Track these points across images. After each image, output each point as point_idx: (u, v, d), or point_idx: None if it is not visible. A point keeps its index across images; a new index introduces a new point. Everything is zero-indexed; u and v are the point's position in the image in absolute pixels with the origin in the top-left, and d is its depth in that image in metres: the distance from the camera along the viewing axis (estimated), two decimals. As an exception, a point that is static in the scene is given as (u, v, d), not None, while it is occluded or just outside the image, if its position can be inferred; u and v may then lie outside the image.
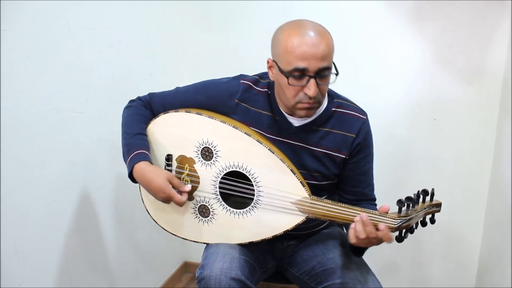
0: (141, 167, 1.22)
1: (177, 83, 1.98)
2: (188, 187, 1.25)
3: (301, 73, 1.12)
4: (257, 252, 1.32)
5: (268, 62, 1.22)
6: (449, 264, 1.93)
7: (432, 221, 1.17)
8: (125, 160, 1.27)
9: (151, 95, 1.36)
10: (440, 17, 1.70)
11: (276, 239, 1.39)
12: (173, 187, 1.22)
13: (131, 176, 1.25)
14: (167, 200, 1.23)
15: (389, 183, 1.80)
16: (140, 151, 1.24)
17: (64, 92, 1.40)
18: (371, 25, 1.79)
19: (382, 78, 1.82)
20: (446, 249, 1.91)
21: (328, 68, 1.14)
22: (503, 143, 1.66)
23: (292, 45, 1.12)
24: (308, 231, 1.37)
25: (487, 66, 1.70)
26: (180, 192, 1.24)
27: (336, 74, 1.17)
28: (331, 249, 1.31)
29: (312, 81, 1.13)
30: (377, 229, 1.10)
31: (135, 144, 1.26)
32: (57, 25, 1.36)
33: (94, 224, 1.60)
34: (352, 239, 1.12)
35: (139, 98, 1.37)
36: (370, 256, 1.45)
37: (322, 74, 1.14)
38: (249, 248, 1.28)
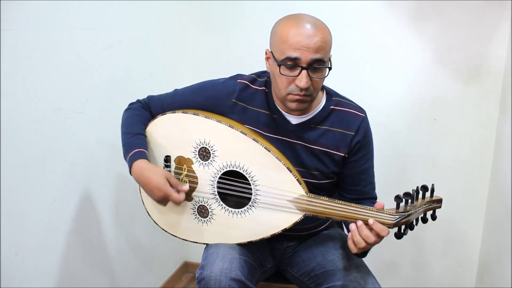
0: (139, 165, 1.22)
1: (177, 83, 1.98)
2: (186, 187, 1.25)
3: (293, 63, 1.13)
4: (257, 253, 1.32)
5: (266, 53, 1.23)
6: (449, 264, 1.93)
7: (433, 217, 1.16)
8: (125, 159, 1.27)
9: (150, 97, 1.37)
10: (440, 17, 1.70)
11: (275, 239, 1.38)
12: (171, 186, 1.22)
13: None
14: (164, 198, 1.22)
15: (389, 183, 1.80)
16: (138, 149, 1.24)
17: (64, 92, 1.40)
18: (371, 25, 1.79)
19: (382, 78, 1.82)
20: (446, 249, 1.91)
21: (321, 61, 1.14)
22: (503, 143, 1.66)
23: (287, 35, 1.12)
24: (308, 232, 1.37)
25: (487, 66, 1.70)
26: (178, 191, 1.24)
27: (330, 68, 1.17)
28: (331, 251, 1.31)
29: (304, 72, 1.13)
30: (371, 228, 1.09)
31: (134, 143, 1.26)
32: (57, 25, 1.36)
33: (94, 224, 1.60)
34: (352, 250, 1.13)
35: (138, 101, 1.37)
36: (370, 256, 1.45)
37: (314, 66, 1.13)
38: (248, 249, 1.28)
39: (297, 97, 1.16)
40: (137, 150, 1.24)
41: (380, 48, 1.80)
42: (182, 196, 1.23)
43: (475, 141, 1.77)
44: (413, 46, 1.76)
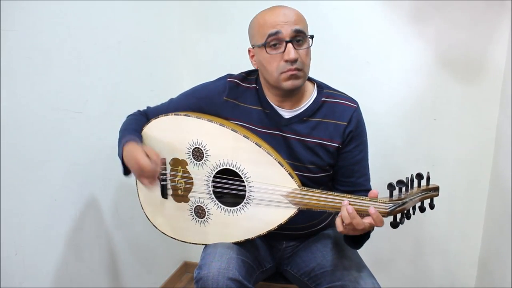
0: (127, 149, 1.23)
1: (177, 83, 1.99)
2: (157, 154, 1.20)
3: (276, 39, 1.17)
4: (256, 253, 1.32)
5: (249, 51, 1.27)
6: (449, 263, 1.93)
7: (431, 206, 1.14)
8: (119, 156, 1.28)
9: (148, 108, 1.43)
10: (440, 17, 1.70)
11: (275, 240, 1.39)
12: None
13: (124, 166, 1.26)
14: (138, 169, 1.18)
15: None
16: (129, 137, 1.26)
17: (64, 92, 1.40)
18: (371, 24, 1.79)
19: (382, 78, 1.82)
20: (446, 248, 1.91)
21: (302, 32, 1.18)
22: (503, 143, 1.66)
23: (264, 19, 1.19)
24: (306, 231, 1.37)
25: (487, 66, 1.70)
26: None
27: (311, 37, 1.21)
28: (330, 251, 1.31)
29: (289, 45, 1.16)
30: (367, 214, 1.09)
31: (126, 136, 1.28)
32: (57, 25, 1.36)
33: (94, 224, 1.60)
34: (339, 227, 1.11)
35: (138, 110, 1.42)
36: (370, 256, 1.45)
37: (297, 38, 1.18)
38: (247, 248, 1.28)
39: (290, 72, 1.18)
40: (127, 138, 1.25)
41: (380, 48, 1.80)
42: (154, 165, 1.18)
43: (475, 141, 1.77)
44: (413, 46, 1.75)
